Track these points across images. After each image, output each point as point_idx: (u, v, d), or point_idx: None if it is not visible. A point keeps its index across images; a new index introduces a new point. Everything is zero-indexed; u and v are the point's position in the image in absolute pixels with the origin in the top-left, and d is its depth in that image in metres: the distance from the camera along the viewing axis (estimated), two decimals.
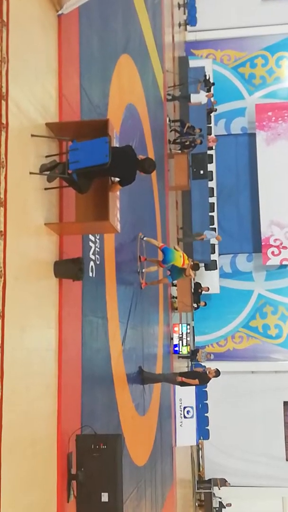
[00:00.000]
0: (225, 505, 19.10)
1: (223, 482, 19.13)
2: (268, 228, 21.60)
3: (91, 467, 5.42)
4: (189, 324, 16.28)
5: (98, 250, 7.24)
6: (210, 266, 20.38)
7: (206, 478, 19.75)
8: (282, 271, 21.82)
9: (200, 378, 11.01)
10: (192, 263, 11.36)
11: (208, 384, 12.22)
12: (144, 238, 10.79)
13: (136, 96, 11.25)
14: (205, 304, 17.79)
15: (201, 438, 17.14)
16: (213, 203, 21.26)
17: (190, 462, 18.85)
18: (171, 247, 11.24)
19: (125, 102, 9.86)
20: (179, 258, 10.86)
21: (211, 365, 12.93)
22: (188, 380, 10.92)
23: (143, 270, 10.81)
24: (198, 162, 18.59)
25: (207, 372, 11.06)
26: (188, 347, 15.66)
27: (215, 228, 20.71)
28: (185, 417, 15.28)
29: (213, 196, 21.30)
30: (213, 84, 20.69)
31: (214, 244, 20.67)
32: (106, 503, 5.35)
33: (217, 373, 10.97)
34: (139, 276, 10.59)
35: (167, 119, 16.56)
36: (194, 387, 14.52)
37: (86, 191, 5.50)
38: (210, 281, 19.81)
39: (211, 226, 20.40)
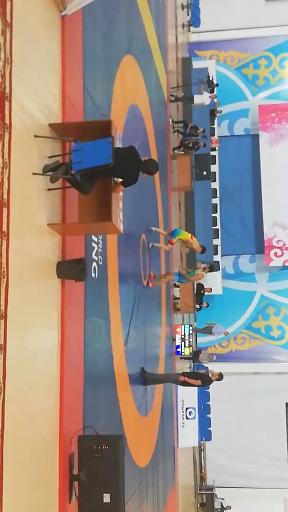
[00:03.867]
0: (225, 507, 19.06)
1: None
2: (271, 229, 21.57)
3: (93, 468, 5.42)
4: (191, 325, 16.26)
5: (101, 250, 7.24)
6: (213, 267, 20.35)
7: (209, 481, 19.72)
8: (285, 272, 21.77)
9: (202, 379, 11.02)
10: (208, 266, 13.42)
11: (210, 385, 12.21)
12: (153, 229, 11.69)
13: (140, 97, 11.25)
14: (208, 305, 17.78)
15: (203, 439, 17.10)
16: (216, 204, 21.24)
17: (192, 463, 18.83)
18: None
19: (128, 103, 9.87)
20: (187, 234, 12.35)
21: (213, 366, 12.95)
22: (191, 380, 10.93)
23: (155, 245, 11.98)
24: (201, 163, 18.58)
25: (210, 375, 11.07)
26: (191, 348, 15.64)
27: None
28: (187, 418, 15.25)
29: (216, 197, 21.27)
30: (217, 85, 20.66)
31: (217, 245, 20.64)
32: (108, 504, 5.35)
33: (220, 376, 10.96)
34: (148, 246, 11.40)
35: (170, 120, 16.55)
36: (196, 388, 14.52)
37: (89, 192, 5.50)
38: (213, 282, 19.77)
39: (213, 227, 20.37)
